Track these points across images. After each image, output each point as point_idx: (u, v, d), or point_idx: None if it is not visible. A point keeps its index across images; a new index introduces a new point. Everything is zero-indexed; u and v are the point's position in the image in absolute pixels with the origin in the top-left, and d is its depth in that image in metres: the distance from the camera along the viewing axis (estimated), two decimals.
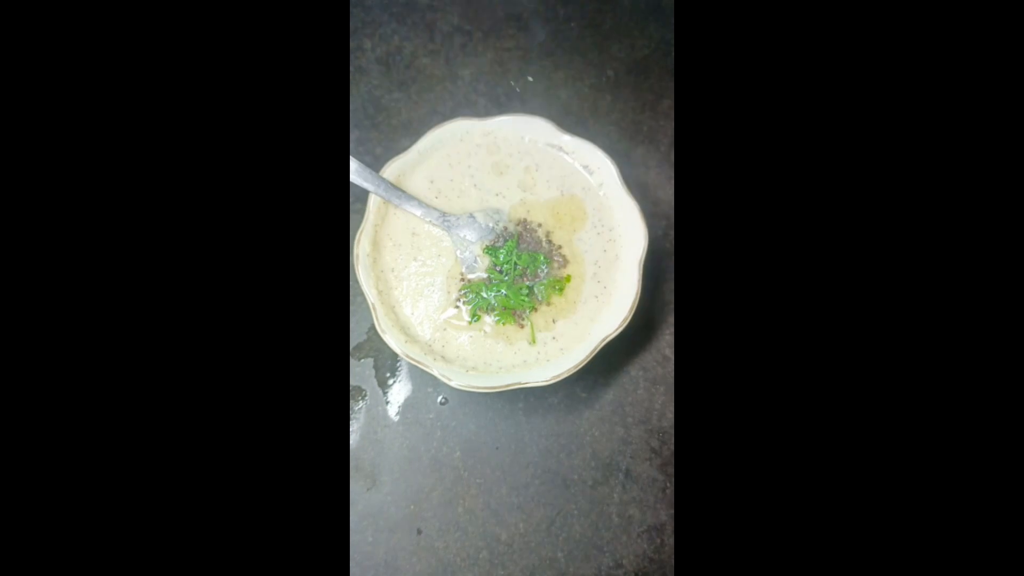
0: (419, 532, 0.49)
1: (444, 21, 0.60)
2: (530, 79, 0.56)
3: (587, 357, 0.44)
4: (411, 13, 0.60)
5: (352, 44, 0.59)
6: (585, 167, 0.49)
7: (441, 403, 0.51)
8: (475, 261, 0.47)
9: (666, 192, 0.56)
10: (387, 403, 0.52)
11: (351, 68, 0.58)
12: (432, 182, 0.50)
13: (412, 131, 0.56)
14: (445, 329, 0.47)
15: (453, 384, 0.44)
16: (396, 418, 0.51)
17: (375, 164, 0.56)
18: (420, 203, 0.48)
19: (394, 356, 0.52)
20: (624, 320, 0.45)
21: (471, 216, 0.48)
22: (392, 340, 0.45)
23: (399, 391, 0.52)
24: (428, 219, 0.48)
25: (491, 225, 0.48)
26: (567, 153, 0.50)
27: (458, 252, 0.48)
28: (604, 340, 0.45)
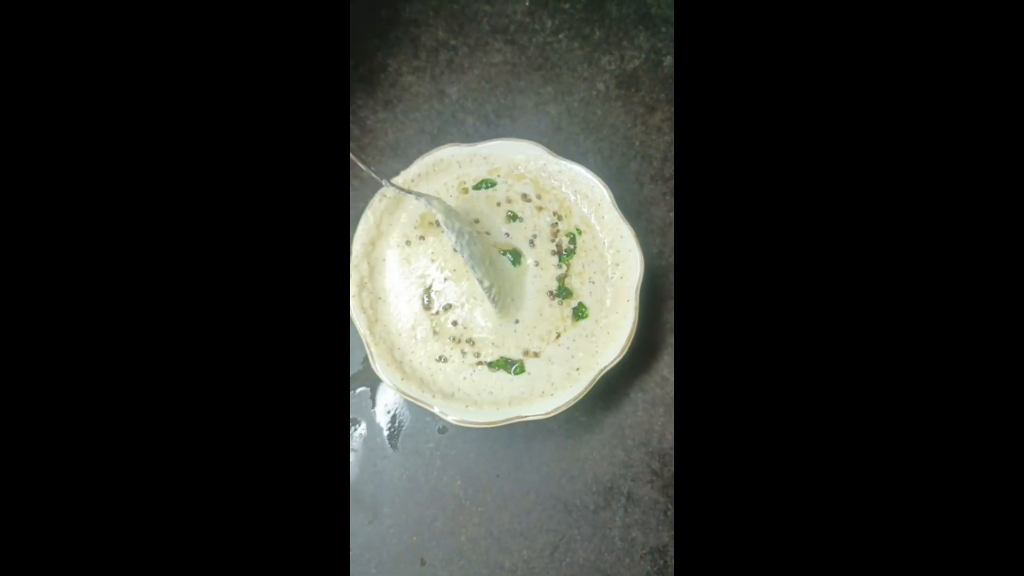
0: (423, 563, 0.49)
1: (428, 36, 0.59)
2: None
3: (585, 389, 0.44)
4: (394, 28, 0.59)
5: None
6: (578, 192, 0.48)
7: (440, 432, 0.51)
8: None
9: (660, 209, 0.55)
10: (385, 434, 0.51)
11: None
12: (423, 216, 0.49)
13: (400, 153, 0.55)
14: (441, 359, 0.46)
15: (450, 419, 0.44)
16: (395, 449, 0.51)
17: (363, 188, 0.55)
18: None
19: (392, 390, 0.52)
20: (622, 350, 0.45)
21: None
22: (388, 377, 0.45)
23: (397, 421, 0.52)
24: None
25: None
26: (560, 178, 0.49)
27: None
28: (602, 371, 0.44)
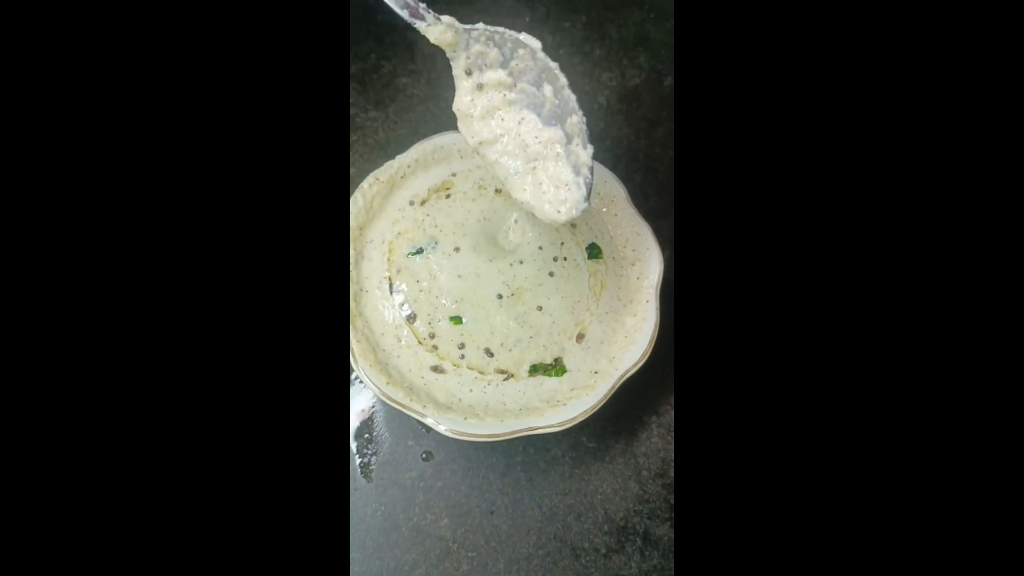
0: None
1: (425, 42, 0.56)
2: None
3: (607, 395, 0.38)
4: (390, 33, 0.56)
5: None
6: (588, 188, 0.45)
7: (424, 459, 0.43)
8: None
9: (667, 220, 0.52)
10: (358, 461, 0.43)
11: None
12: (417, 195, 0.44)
13: (391, 152, 0.51)
14: (437, 364, 0.40)
15: (442, 429, 0.37)
16: (368, 479, 0.43)
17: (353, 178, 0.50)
18: None
19: (366, 404, 0.44)
20: (645, 352, 0.39)
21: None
22: (371, 380, 0.38)
23: (372, 446, 0.44)
24: None
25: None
26: None
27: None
28: (624, 375, 0.39)
